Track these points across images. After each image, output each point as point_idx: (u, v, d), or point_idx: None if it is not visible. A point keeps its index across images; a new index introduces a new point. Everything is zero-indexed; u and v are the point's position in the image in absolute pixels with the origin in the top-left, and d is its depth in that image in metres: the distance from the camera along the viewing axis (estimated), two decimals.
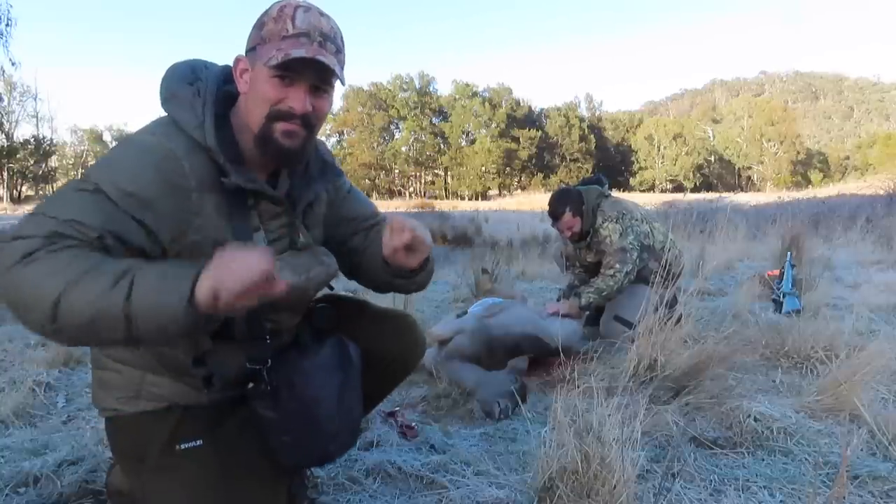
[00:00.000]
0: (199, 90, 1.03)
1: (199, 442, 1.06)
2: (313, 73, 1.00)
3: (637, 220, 2.83)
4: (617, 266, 2.71)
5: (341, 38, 1.04)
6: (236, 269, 0.78)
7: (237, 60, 1.05)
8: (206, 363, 1.06)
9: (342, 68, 1.04)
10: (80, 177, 0.94)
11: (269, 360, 1.07)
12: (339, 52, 1.03)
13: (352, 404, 1.19)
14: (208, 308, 0.80)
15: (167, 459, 1.05)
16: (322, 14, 1.02)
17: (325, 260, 1.16)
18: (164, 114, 1.04)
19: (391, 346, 1.32)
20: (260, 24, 1.01)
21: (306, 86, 1.01)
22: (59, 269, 0.80)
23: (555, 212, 2.86)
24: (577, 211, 2.82)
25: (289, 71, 0.99)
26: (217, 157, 1.00)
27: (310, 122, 1.03)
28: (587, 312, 2.86)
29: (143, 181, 0.93)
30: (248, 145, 1.05)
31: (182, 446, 1.05)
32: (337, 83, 1.05)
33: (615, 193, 3.11)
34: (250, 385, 1.07)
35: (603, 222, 2.79)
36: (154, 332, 0.83)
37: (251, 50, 1.02)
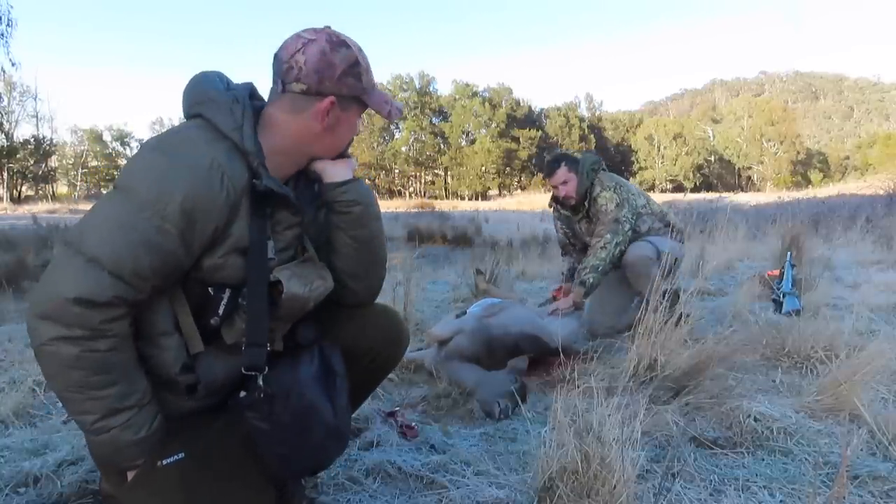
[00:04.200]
0: (237, 97, 1.06)
1: (181, 455, 1.05)
2: None
3: (633, 193, 2.87)
4: (608, 237, 2.72)
5: None
6: None
7: (330, 102, 1.07)
8: (193, 369, 1.06)
9: None
10: (124, 186, 0.97)
11: (266, 368, 1.07)
12: None
13: (343, 411, 1.19)
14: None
15: (150, 476, 1.04)
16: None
17: (323, 274, 1.17)
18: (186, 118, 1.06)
19: (374, 341, 1.31)
20: (356, 74, 1.09)
21: None
22: (74, 372, 0.93)
23: (550, 168, 2.88)
24: (573, 168, 2.84)
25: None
26: (252, 160, 1.02)
27: None
28: (587, 301, 2.85)
29: (194, 196, 0.96)
30: (270, 164, 1.07)
31: (164, 462, 1.04)
32: None
33: None
34: (242, 394, 1.07)
35: (601, 191, 2.82)
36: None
37: (347, 97, 1.10)
